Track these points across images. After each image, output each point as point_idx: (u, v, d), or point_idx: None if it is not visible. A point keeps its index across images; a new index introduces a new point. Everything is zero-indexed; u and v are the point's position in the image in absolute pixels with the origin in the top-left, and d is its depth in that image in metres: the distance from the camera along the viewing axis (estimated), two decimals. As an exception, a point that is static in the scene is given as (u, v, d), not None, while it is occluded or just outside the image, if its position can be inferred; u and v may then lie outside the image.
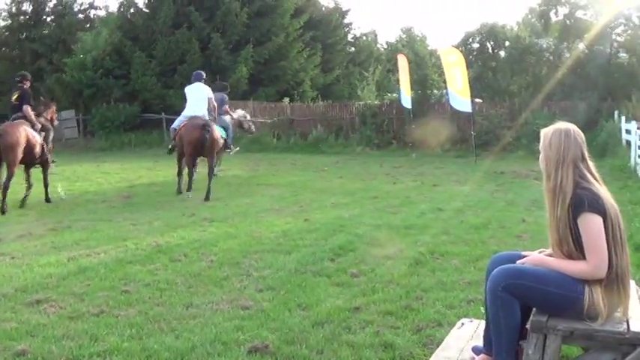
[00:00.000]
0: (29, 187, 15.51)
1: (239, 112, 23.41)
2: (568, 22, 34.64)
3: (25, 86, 15.79)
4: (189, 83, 17.76)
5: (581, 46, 33.28)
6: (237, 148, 21.13)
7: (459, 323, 5.85)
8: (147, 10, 39.83)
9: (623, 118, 23.78)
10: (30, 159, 15.20)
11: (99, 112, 36.34)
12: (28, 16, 43.16)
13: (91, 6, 44.76)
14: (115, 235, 11.25)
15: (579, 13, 34.85)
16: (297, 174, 21.44)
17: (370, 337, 6.13)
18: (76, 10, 43.95)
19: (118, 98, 37.04)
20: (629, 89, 28.33)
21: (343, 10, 50.22)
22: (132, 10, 40.68)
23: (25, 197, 15.25)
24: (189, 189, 16.35)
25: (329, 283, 8.02)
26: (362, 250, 9.82)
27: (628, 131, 21.69)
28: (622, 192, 14.77)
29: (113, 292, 7.68)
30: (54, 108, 17.02)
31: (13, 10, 43.00)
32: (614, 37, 33.84)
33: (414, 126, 29.22)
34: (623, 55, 34.57)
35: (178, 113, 18.92)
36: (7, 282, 8.19)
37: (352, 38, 54.50)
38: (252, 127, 23.95)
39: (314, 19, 44.10)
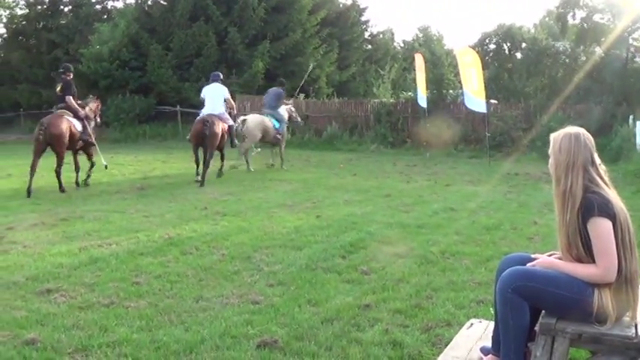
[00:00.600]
0: (77, 169, 17.10)
1: (288, 106, 23.91)
2: (585, 25, 34.57)
3: (67, 78, 16.79)
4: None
5: (598, 49, 33.16)
6: (259, 149, 22.74)
7: (468, 323, 5.85)
8: (164, 3, 39.83)
9: (638, 123, 23.67)
10: (71, 146, 16.52)
11: (114, 104, 36.33)
12: (45, 6, 43.37)
13: (109, -3, 44.99)
14: (127, 227, 11.31)
15: (597, 17, 34.77)
16: (311, 170, 21.46)
17: (379, 334, 6.14)
18: (93, 0, 44.11)
19: (134, 90, 37.15)
20: (645, 94, 28.23)
21: (361, 7, 50.25)
22: (149, 2, 40.77)
23: (77, 179, 17.04)
24: (197, 174, 18.15)
25: (339, 279, 8.03)
26: (373, 247, 9.83)
27: (643, 136, 21.62)
28: (635, 197, 14.71)
29: (124, 284, 7.72)
30: (99, 104, 18.45)
31: (31, -1, 43.21)
32: (631, 41, 33.71)
33: (429, 125, 29.20)
34: (639, 59, 34.43)
35: (194, 106, 19.86)
36: (18, 270, 8.26)
37: (369, 36, 54.49)
38: (299, 118, 24.86)
39: (331, 15, 44.09)
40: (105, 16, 43.56)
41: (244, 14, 37.61)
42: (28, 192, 14.95)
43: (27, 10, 43.73)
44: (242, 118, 21.09)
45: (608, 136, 25.42)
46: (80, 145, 16.89)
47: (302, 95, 35.34)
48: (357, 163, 24.07)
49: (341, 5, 47.84)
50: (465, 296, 7.31)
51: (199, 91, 19.15)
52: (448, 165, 23.86)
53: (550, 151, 4.72)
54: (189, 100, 34.67)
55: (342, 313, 6.70)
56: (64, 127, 15.92)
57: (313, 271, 8.36)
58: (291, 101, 25.40)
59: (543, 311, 4.62)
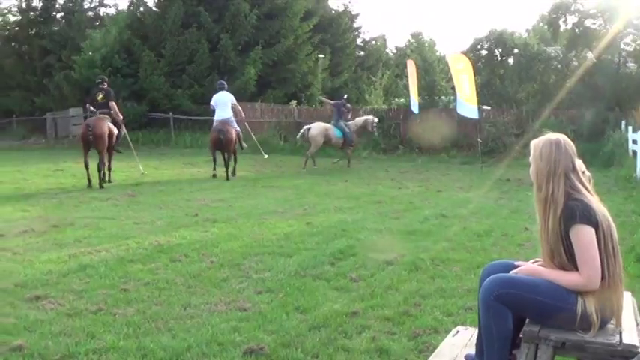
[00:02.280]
0: (108, 168, 19.20)
1: (367, 118, 26.59)
2: (577, 30, 34.64)
3: (107, 86, 19.38)
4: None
5: (590, 54, 33.25)
6: (337, 160, 26.91)
7: (454, 330, 5.83)
8: (156, 10, 39.92)
9: (630, 128, 23.72)
10: (109, 145, 18.70)
11: (106, 111, 36.36)
12: (38, 13, 43.46)
13: (101, 4, 45.21)
14: (117, 234, 11.29)
15: (588, 22, 34.87)
16: (303, 177, 21.52)
17: (366, 342, 6.13)
18: (85, 7, 44.22)
19: (126, 97, 37.06)
20: (637, 99, 28.25)
21: (353, 14, 50.31)
22: (141, 9, 40.75)
23: (104, 176, 18.76)
24: (214, 169, 21.14)
25: (328, 287, 8.02)
26: (363, 254, 9.81)
27: (634, 141, 21.61)
28: (627, 202, 14.75)
29: (112, 290, 7.71)
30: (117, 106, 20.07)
31: (24, 6, 43.25)
32: (622, 46, 33.84)
33: (421, 131, 29.26)
34: (631, 64, 34.53)
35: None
36: (7, 277, 8.22)
37: (361, 42, 54.63)
38: (374, 129, 26.96)
39: (323, 22, 44.17)
40: (97, 23, 43.68)
41: (236, 21, 37.68)
42: (89, 182, 17.91)
43: (19, 17, 43.74)
44: (306, 127, 25.15)
45: (600, 142, 25.52)
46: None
47: (294, 102, 35.38)
48: (349, 170, 24.16)
49: (333, 12, 47.90)
50: (454, 303, 7.32)
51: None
52: (440, 171, 23.94)
53: (530, 158, 4.71)
54: (182, 106, 34.68)
55: (329, 320, 6.69)
56: (106, 128, 18.28)
57: (302, 278, 8.35)
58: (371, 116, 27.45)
59: (527, 318, 4.61)
